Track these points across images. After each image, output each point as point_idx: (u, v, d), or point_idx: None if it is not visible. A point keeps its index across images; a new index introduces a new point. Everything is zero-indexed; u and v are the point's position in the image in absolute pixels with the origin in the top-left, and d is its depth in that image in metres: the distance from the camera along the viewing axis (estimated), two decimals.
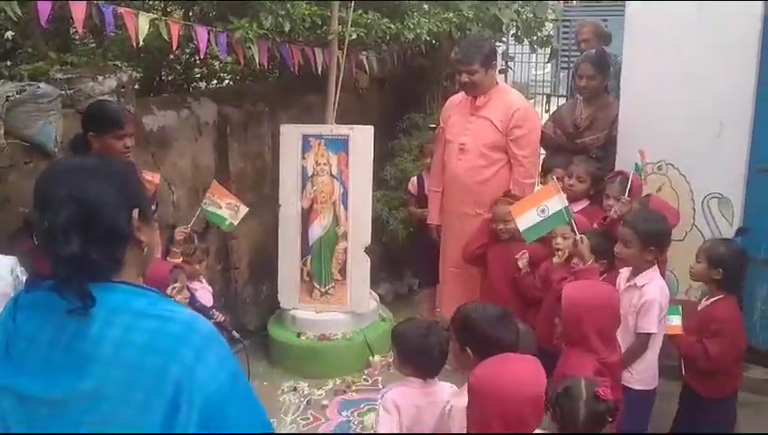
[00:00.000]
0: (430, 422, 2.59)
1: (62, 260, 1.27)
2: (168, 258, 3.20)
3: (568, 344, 2.70)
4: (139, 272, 1.44)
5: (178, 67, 5.07)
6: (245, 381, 1.38)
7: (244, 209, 3.70)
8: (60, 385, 1.28)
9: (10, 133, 3.11)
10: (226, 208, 3.56)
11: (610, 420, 2.20)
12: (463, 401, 2.36)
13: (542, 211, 3.03)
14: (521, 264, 3.69)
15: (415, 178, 4.76)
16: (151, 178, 3.21)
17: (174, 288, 2.99)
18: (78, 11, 2.86)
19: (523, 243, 3.61)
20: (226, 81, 5.47)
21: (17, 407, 1.32)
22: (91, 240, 1.29)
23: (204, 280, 3.52)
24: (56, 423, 1.28)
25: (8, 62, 3.76)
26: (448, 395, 2.58)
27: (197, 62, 5.02)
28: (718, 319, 3.09)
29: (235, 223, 3.68)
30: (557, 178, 4.06)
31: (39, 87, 3.14)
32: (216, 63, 5.25)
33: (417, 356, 2.61)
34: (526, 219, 3.12)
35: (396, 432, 2.55)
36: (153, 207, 1.48)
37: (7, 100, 3.07)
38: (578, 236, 3.05)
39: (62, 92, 3.29)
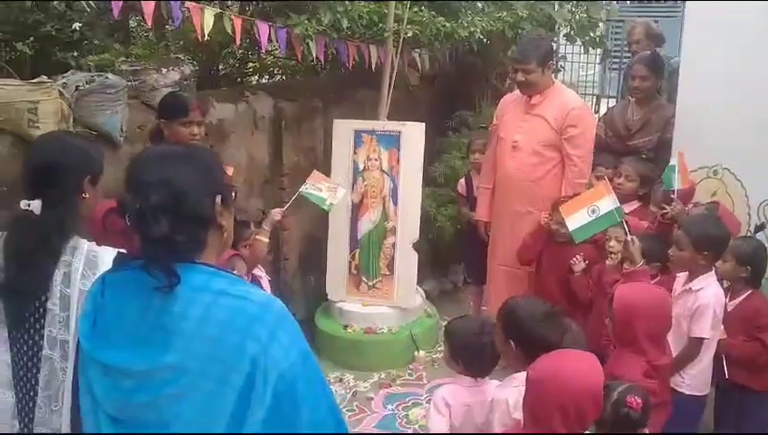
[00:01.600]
0: (479, 421, 2.61)
1: (151, 240, 1.35)
2: (257, 237, 3.31)
3: (618, 345, 2.70)
4: (217, 255, 1.51)
5: (233, 61, 5.18)
6: (314, 360, 1.45)
7: (342, 191, 3.88)
8: (145, 358, 1.35)
9: (78, 122, 3.22)
10: (326, 191, 3.75)
11: (642, 430, 2.18)
12: (505, 392, 2.38)
13: (593, 211, 3.02)
14: (576, 268, 3.68)
15: (463, 179, 4.76)
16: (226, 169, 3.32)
17: None
18: (148, 6, 2.97)
19: (578, 246, 3.65)
20: (277, 75, 5.56)
21: (102, 377, 1.40)
22: (179, 223, 1.37)
23: (262, 269, 3.59)
24: (139, 394, 1.35)
25: (75, 53, 3.89)
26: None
27: (251, 56, 5.13)
28: (765, 312, 3.14)
29: (335, 202, 3.83)
30: (603, 178, 4.06)
31: (107, 78, 3.24)
32: (269, 58, 5.34)
33: (469, 354, 2.63)
34: (576, 219, 3.11)
35: (447, 432, 2.58)
36: (233, 195, 1.55)
37: (77, 90, 3.18)
38: (629, 238, 3.04)
39: (128, 83, 3.40)
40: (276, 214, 3.50)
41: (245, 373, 1.32)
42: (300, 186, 3.80)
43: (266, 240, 3.35)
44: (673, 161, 3.64)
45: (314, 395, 1.40)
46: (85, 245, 1.91)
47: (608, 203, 3.07)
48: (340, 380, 4.25)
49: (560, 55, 7.01)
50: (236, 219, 3.54)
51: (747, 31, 3.78)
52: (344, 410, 3.95)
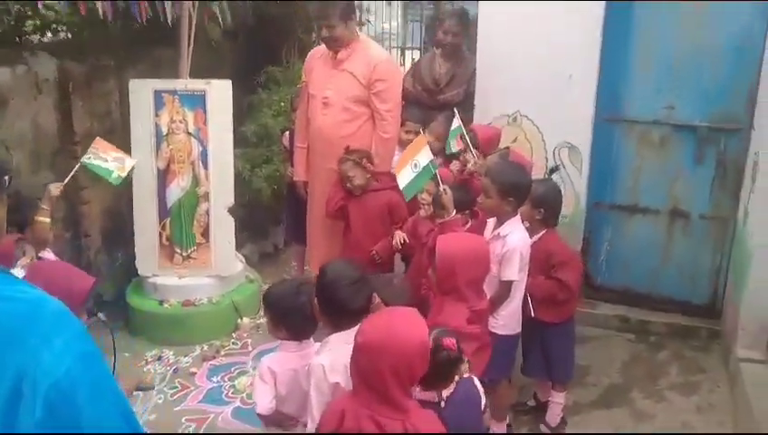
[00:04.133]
0: (306, 385, 2.57)
1: None
2: (37, 217, 3.00)
3: (439, 294, 2.76)
4: None
5: (8, 19, 4.56)
6: (101, 363, 1.27)
7: (131, 162, 3.65)
8: None
9: None
10: (113, 162, 3.49)
11: (463, 368, 2.28)
12: (319, 357, 2.35)
13: (415, 166, 3.04)
14: (395, 241, 3.82)
15: (288, 133, 4.61)
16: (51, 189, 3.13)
17: (23, 266, 2.74)
18: None
19: (376, 193, 3.87)
20: (61, 33, 5.00)
21: None
22: None
23: (50, 251, 3.25)
24: None
25: None
26: None
27: (29, 12, 4.55)
28: (559, 251, 3.35)
29: (123, 175, 3.63)
30: (410, 132, 4.14)
31: None
32: (51, 14, 4.77)
33: (289, 317, 2.57)
34: (404, 176, 3.13)
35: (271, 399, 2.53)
36: (5, 181, 1.32)
37: None
38: (441, 189, 3.10)
39: None
40: (54, 188, 3.23)
41: (8, 386, 1.13)
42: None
43: (48, 220, 3.07)
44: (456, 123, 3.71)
45: (102, 402, 1.23)
46: None
47: (425, 156, 3.10)
48: (159, 358, 4.02)
49: (364, 9, 6.99)
50: (24, 200, 3.22)
51: None
52: (165, 388, 3.76)
